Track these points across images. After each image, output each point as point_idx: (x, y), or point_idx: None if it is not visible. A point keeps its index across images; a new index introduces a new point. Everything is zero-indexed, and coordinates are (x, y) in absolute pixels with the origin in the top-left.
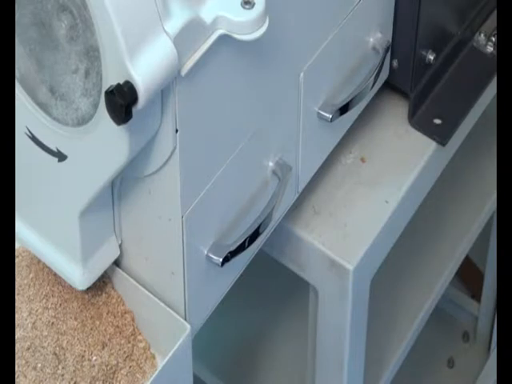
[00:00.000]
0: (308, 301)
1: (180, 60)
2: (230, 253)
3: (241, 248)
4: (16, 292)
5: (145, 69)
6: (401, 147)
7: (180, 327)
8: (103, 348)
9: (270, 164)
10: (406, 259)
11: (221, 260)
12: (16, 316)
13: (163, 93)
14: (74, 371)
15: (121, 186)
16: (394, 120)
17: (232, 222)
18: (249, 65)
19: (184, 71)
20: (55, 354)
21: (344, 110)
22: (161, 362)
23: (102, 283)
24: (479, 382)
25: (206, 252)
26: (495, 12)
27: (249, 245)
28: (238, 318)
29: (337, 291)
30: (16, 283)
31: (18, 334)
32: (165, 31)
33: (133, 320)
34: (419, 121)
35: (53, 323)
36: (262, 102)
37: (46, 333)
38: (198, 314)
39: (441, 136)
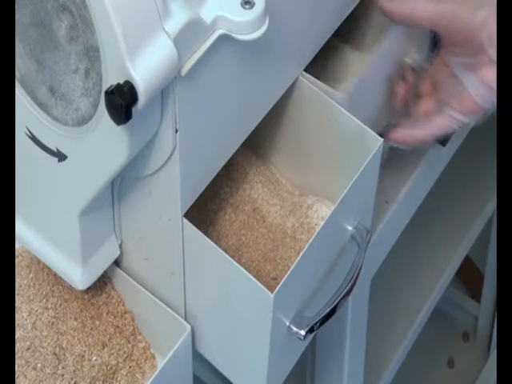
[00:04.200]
0: None
1: (180, 60)
2: None
3: None
4: (16, 292)
5: (145, 69)
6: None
7: (180, 327)
8: (103, 348)
9: None
10: (406, 259)
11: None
12: (16, 316)
13: (163, 93)
14: (74, 371)
15: (121, 186)
16: None
17: None
18: (249, 65)
19: (184, 71)
20: (55, 354)
21: None
22: (161, 362)
23: (102, 283)
24: (479, 382)
25: None
26: None
27: None
28: None
29: None
30: (16, 283)
31: (18, 333)
32: (165, 31)
33: (133, 320)
34: None
35: (53, 323)
36: (262, 101)
37: (45, 333)
38: None
39: (441, 136)
